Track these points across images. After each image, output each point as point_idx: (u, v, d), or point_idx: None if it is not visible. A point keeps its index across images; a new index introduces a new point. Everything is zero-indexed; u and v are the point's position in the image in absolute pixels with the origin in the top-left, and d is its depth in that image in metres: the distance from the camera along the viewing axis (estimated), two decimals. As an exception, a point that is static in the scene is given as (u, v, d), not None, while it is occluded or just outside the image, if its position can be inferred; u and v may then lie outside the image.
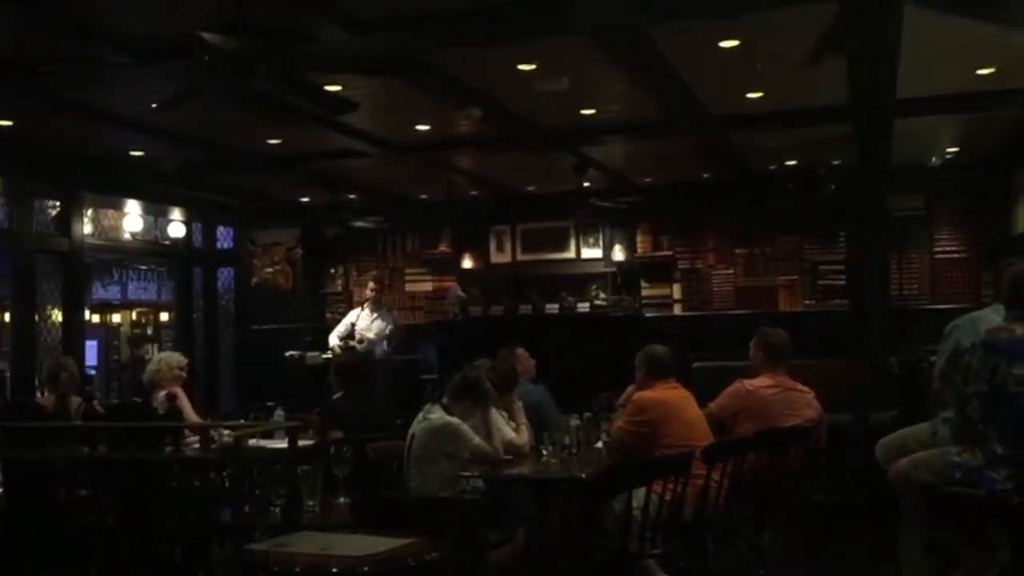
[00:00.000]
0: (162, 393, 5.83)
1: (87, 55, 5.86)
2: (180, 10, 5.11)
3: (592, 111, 7.62)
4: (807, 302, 10.83)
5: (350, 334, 9.84)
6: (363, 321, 9.89)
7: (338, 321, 10.39)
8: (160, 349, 12.97)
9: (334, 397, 6.31)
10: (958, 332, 4.41)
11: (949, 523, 3.94)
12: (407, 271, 12.25)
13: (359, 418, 5.91)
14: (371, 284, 10.25)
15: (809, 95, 7.29)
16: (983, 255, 10.04)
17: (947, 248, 10.50)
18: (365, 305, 10.05)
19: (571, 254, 11.73)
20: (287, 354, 10.67)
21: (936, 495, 3.88)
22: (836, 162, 9.54)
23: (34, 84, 6.44)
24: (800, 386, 5.32)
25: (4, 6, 5.15)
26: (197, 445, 5.16)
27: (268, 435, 5.54)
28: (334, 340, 9.88)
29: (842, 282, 10.64)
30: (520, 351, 6.47)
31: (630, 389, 5.42)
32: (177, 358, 6.42)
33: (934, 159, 9.68)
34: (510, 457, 4.99)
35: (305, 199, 11.29)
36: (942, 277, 10.47)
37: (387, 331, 9.92)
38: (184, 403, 5.82)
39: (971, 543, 3.92)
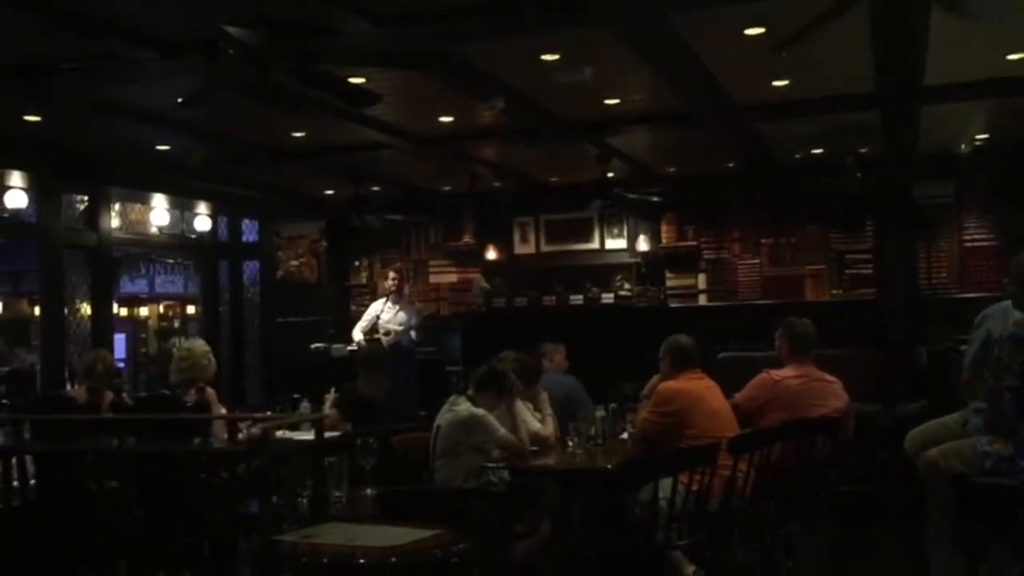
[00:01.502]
0: (192, 391, 5.77)
1: (112, 51, 5.90)
2: (203, 5, 5.13)
3: (616, 101, 7.58)
4: (834, 292, 10.75)
5: (373, 327, 9.90)
6: (387, 314, 9.95)
7: (363, 313, 10.44)
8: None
9: (357, 385, 6.36)
10: (989, 322, 4.34)
11: (978, 513, 3.90)
12: (431, 263, 12.27)
13: (372, 405, 5.94)
14: (391, 275, 10.31)
15: (835, 83, 7.22)
16: (1013, 243, 9.91)
17: (976, 236, 10.38)
18: (387, 298, 10.10)
19: (595, 245, 11.70)
20: (312, 346, 10.75)
21: (965, 485, 3.84)
22: (863, 150, 9.45)
23: (60, 81, 6.49)
24: (827, 376, 5.27)
25: (30, 5, 5.19)
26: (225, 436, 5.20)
27: (294, 427, 5.57)
28: (358, 334, 9.94)
29: (869, 271, 10.54)
30: (554, 347, 6.53)
31: (654, 379, 5.41)
32: (202, 349, 5.95)
33: (963, 146, 9.56)
34: (536, 448, 5.00)
35: (329, 192, 11.33)
36: (971, 266, 10.35)
37: (411, 322, 9.97)
38: (212, 395, 5.83)
39: (1000, 534, 3.88)
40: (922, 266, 10.35)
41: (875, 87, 7.29)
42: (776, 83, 7.14)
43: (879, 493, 6.44)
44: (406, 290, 10.81)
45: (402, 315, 9.96)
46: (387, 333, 9.76)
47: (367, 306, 10.58)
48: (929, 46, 6.12)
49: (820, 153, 9.78)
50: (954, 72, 6.91)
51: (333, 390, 6.22)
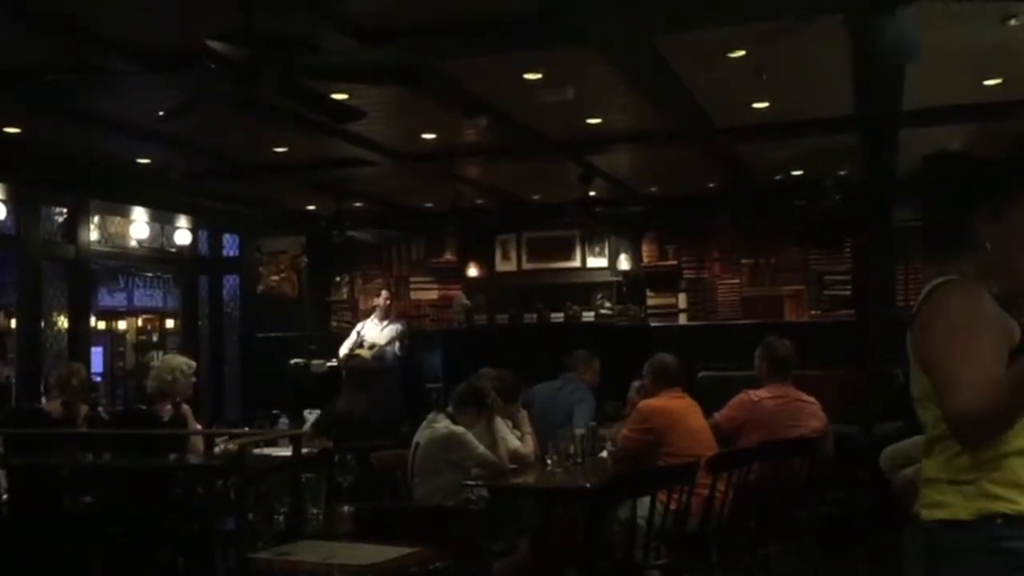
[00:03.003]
0: (168, 405, 5.74)
1: (94, 63, 5.88)
2: (187, 19, 5.13)
3: (598, 121, 7.62)
4: (813, 312, 10.81)
5: (360, 345, 9.95)
6: (372, 329, 9.98)
7: (343, 329, 10.47)
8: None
9: (338, 401, 6.33)
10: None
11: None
12: (412, 279, 12.25)
13: (351, 421, 5.92)
14: (384, 293, 10.42)
15: (815, 105, 7.28)
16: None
17: (953, 259, 10.46)
18: (374, 315, 10.16)
19: (576, 263, 11.72)
20: (292, 362, 10.70)
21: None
22: (842, 172, 9.53)
23: (42, 92, 6.46)
24: (805, 396, 5.31)
25: (12, 15, 5.17)
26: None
27: (272, 443, 5.55)
28: (344, 350, 9.98)
29: (848, 292, 10.62)
30: (588, 358, 6.64)
31: (631, 394, 5.43)
32: (187, 364, 5.92)
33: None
34: (515, 466, 4.99)
35: (311, 207, 11.30)
36: (948, 288, 10.41)
37: (396, 334, 10.01)
38: (188, 411, 5.80)
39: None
40: (900, 287, 10.44)
41: (854, 110, 7.36)
42: (756, 105, 7.20)
43: (857, 512, 6.46)
44: (393, 310, 10.86)
45: (389, 330, 10.01)
46: (371, 346, 9.79)
47: (348, 322, 10.61)
48: (907, 71, 6.20)
49: (800, 174, 9.86)
50: (932, 97, 6.99)
51: (308, 412, 6.18)
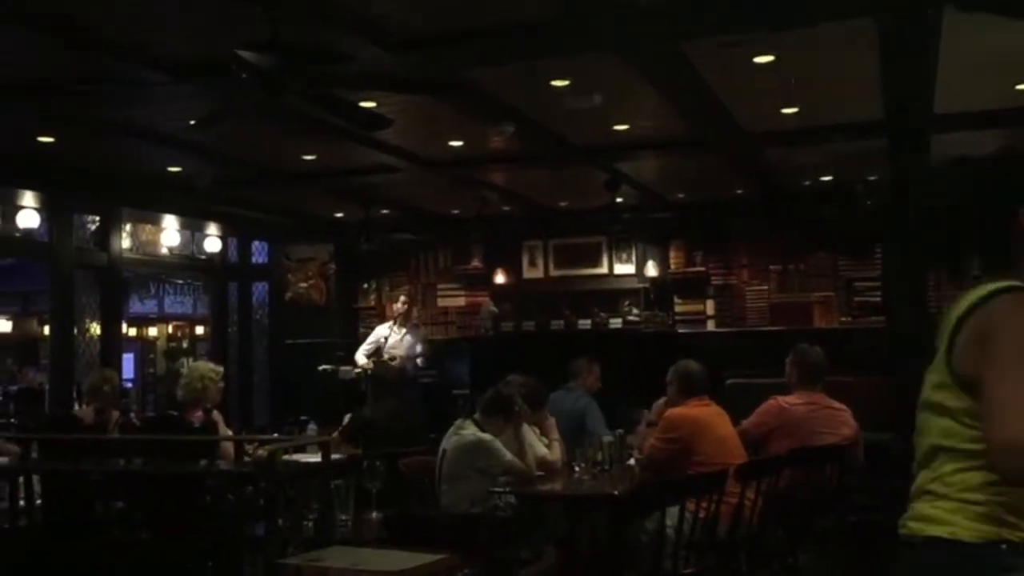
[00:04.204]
0: (199, 412, 5.78)
1: (125, 74, 5.96)
2: (216, 29, 5.18)
3: (625, 127, 7.61)
4: (843, 319, 10.71)
5: (378, 351, 9.86)
6: (393, 338, 9.94)
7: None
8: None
9: (364, 408, 6.37)
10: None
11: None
12: (439, 286, 12.27)
13: (374, 428, 5.95)
14: (401, 299, 10.32)
15: (844, 110, 7.23)
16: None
17: (985, 264, 10.33)
18: (395, 322, 10.10)
19: (604, 270, 11.69)
20: (320, 368, 10.75)
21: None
22: (872, 178, 9.45)
23: (74, 102, 6.55)
24: (836, 404, 5.26)
25: (44, 27, 5.25)
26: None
27: (301, 449, 5.57)
28: (361, 358, 9.89)
29: (878, 299, 10.51)
30: (589, 365, 6.62)
31: (660, 404, 5.40)
32: (214, 370, 5.97)
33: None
34: (542, 473, 4.98)
35: (339, 214, 11.37)
36: (980, 294, 10.28)
37: (417, 349, 9.96)
38: (219, 418, 5.85)
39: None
40: (931, 293, 10.31)
41: (884, 115, 7.30)
42: (785, 110, 7.16)
43: (888, 521, 6.38)
44: (414, 314, 10.82)
45: (408, 339, 9.95)
46: (392, 359, 9.72)
47: (375, 329, 10.57)
48: (938, 75, 6.14)
49: (829, 180, 9.79)
50: (963, 101, 6.92)
51: (348, 417, 6.23)
